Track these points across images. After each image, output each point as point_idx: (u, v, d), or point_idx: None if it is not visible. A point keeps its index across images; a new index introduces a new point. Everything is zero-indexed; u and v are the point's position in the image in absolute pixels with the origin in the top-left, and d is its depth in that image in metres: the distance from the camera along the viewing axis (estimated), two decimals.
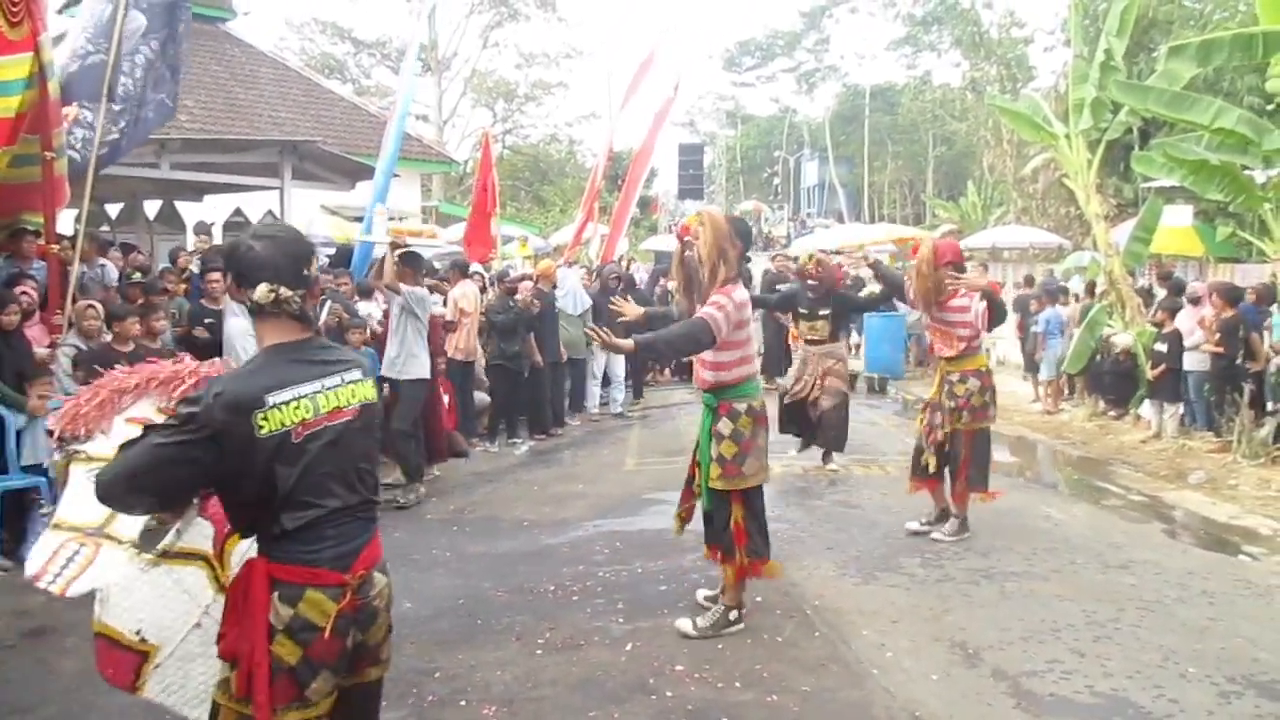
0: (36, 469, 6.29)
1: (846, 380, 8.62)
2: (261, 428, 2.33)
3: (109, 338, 6.86)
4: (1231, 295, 9.84)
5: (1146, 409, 10.71)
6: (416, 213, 19.05)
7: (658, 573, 5.90)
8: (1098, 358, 11.42)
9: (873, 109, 45.50)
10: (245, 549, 2.67)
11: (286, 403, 2.37)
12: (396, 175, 11.61)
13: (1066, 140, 12.03)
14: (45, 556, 2.71)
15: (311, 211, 13.54)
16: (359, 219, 12.12)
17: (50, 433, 3.05)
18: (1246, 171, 10.03)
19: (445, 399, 9.47)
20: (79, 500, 2.76)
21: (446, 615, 5.26)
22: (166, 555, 2.74)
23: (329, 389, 2.47)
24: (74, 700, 4.24)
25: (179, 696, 2.76)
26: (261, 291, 2.42)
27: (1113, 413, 11.46)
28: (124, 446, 2.39)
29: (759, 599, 5.27)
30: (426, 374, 8.01)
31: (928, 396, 6.79)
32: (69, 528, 2.78)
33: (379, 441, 2.67)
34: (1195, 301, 10.36)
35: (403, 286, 7.79)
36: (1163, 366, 10.13)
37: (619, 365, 12.13)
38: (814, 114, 53.80)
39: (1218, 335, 9.61)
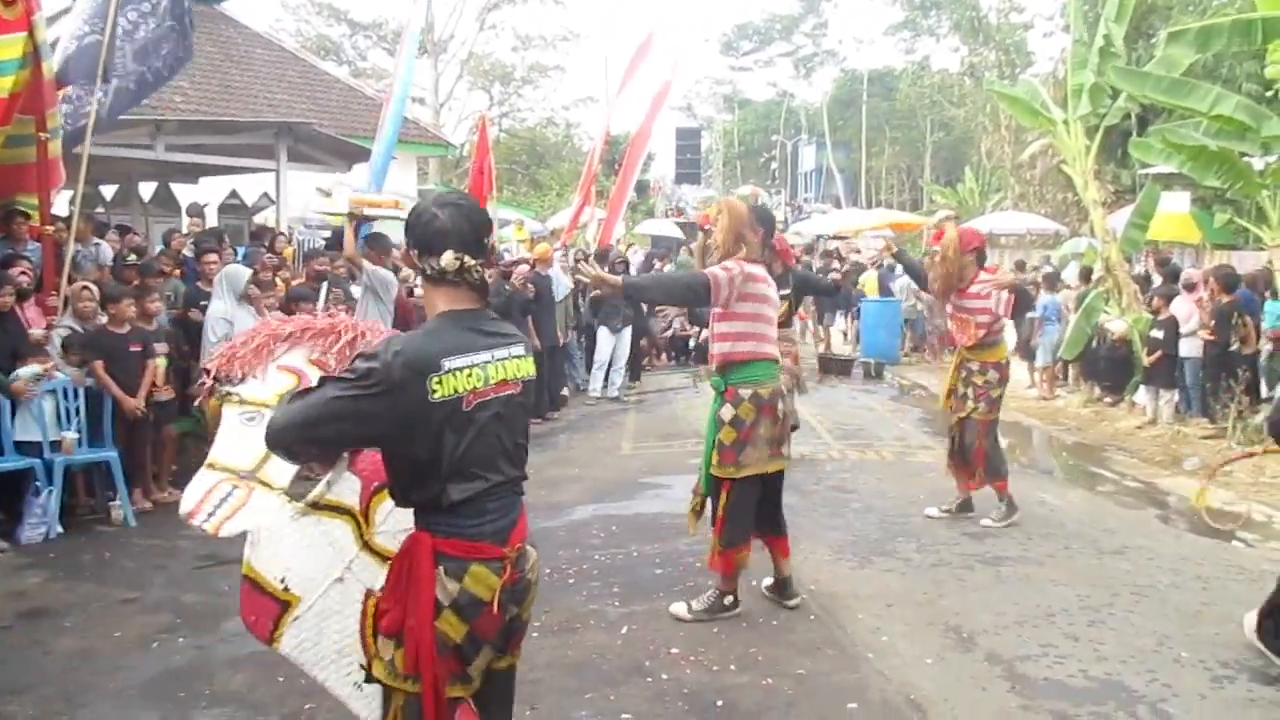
0: (33, 447, 6.29)
1: (797, 371, 8.31)
2: (435, 392, 2.32)
3: (104, 319, 6.85)
4: (1229, 281, 9.86)
5: (1142, 395, 10.74)
6: (413, 195, 18.99)
7: (653, 556, 5.91)
8: (1094, 344, 11.44)
9: (871, 94, 45.41)
10: (389, 508, 2.69)
11: (460, 369, 2.36)
12: (393, 158, 11.58)
13: (1064, 126, 12.01)
14: (199, 496, 2.74)
15: (308, 194, 13.50)
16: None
17: (206, 371, 3.07)
18: (1244, 158, 10.01)
19: None
20: (232, 442, 2.83)
21: None
22: (316, 506, 2.75)
23: (498, 360, 2.45)
24: (71, 680, 4.25)
25: (311, 654, 2.75)
26: (448, 259, 2.41)
27: (1108, 399, 11.48)
28: (297, 396, 2.41)
29: (754, 583, 5.28)
30: None
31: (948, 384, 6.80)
32: (222, 468, 2.81)
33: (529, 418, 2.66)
34: (1191, 288, 10.37)
35: (366, 265, 7.57)
36: (1158, 353, 10.15)
37: (623, 348, 12.14)
38: (812, 99, 53.70)
39: (1212, 322, 9.63)
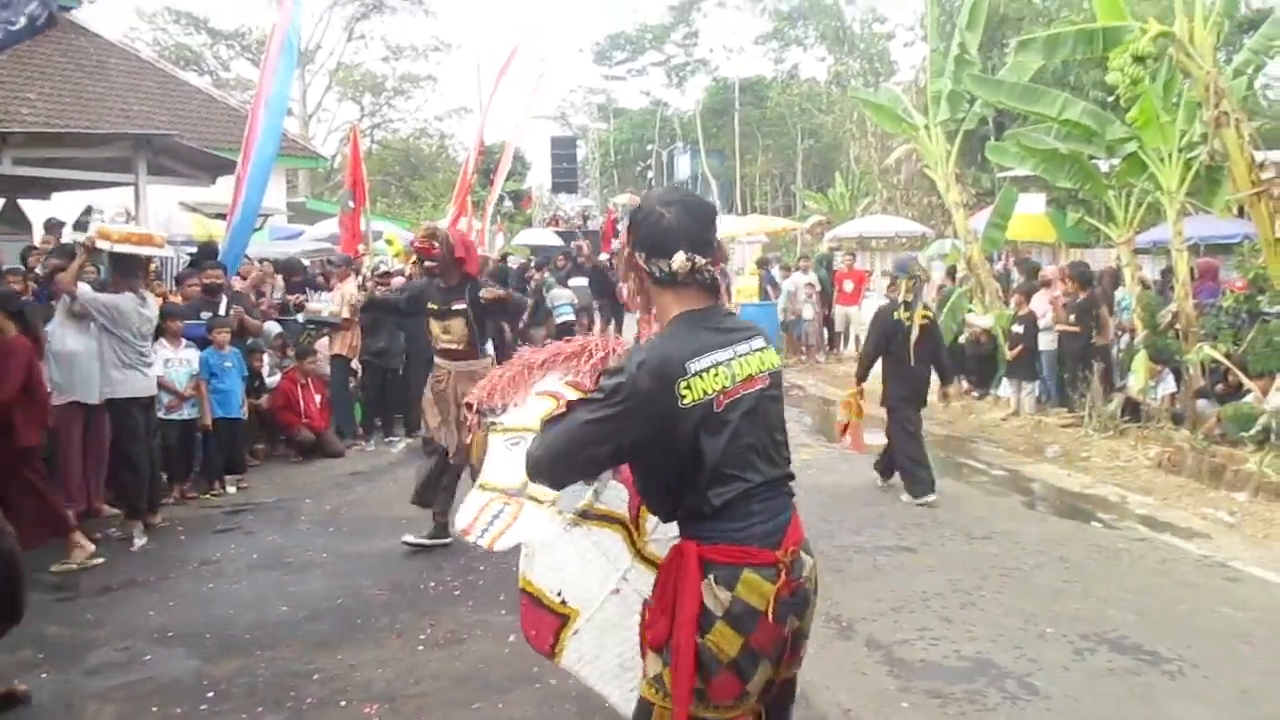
0: None
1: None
2: (684, 397, 2.20)
3: None
4: (1084, 277, 10.40)
5: (1005, 388, 11.22)
6: (283, 209, 18.50)
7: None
8: (959, 340, 11.90)
9: (742, 102, 46.14)
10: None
11: (706, 370, 2.24)
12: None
13: (926, 131, 12.45)
14: (473, 514, 2.85)
15: (170, 208, 12.99)
16: (221, 215, 11.69)
17: (468, 405, 3.18)
18: (1092, 160, 10.56)
19: (317, 399, 9.29)
20: (499, 465, 2.93)
21: (325, 616, 5.14)
22: (585, 516, 2.71)
23: (740, 356, 2.32)
24: None
25: (592, 669, 2.70)
26: (680, 261, 2.28)
27: (975, 393, 11.95)
28: (549, 422, 2.33)
29: None
30: (133, 393, 6.88)
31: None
32: (492, 488, 2.90)
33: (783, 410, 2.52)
34: (1048, 284, 10.90)
35: (82, 291, 6.72)
36: (1019, 347, 10.63)
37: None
38: (685, 107, 54.22)
39: (1072, 316, 10.13)
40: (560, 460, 2.28)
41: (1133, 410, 9.53)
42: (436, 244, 6.05)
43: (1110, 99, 10.35)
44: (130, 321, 6.84)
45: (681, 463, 2.25)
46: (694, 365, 2.23)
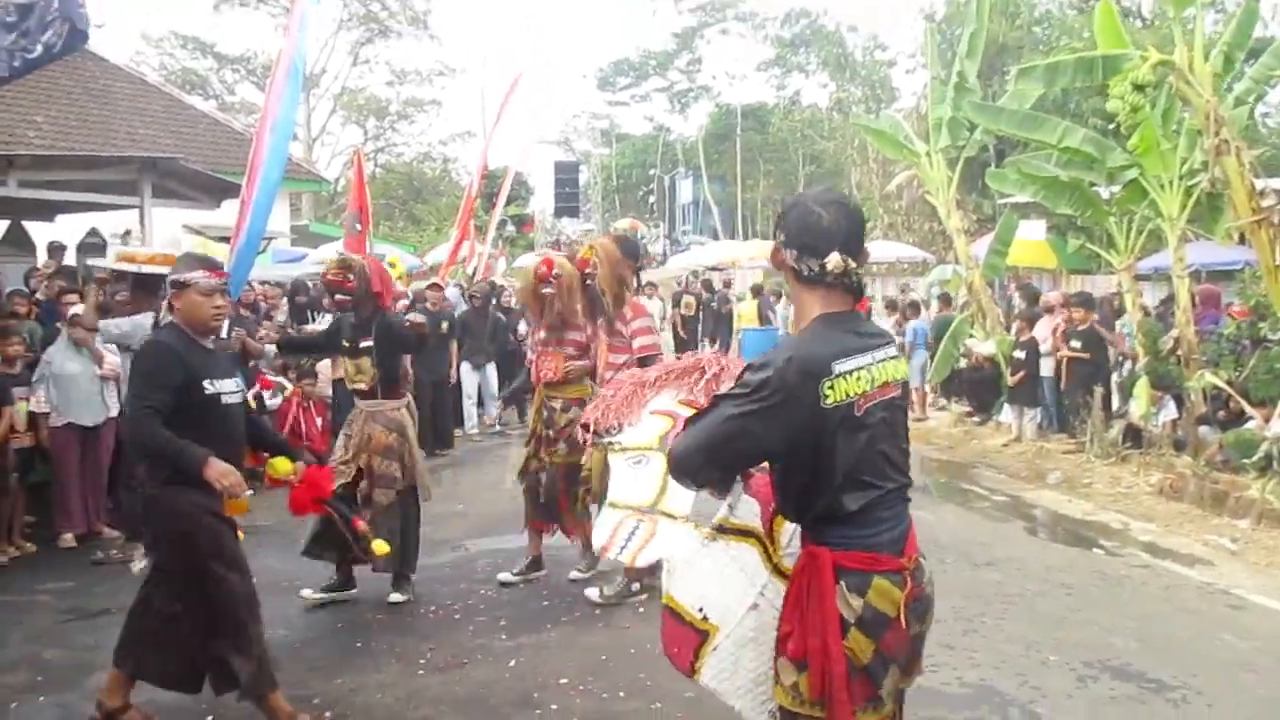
0: None
1: (404, 462, 5.58)
2: (827, 397, 2.21)
3: None
4: (1088, 304, 10.44)
5: (1007, 414, 11.21)
6: (286, 232, 18.57)
7: (540, 588, 5.88)
8: (961, 364, 11.90)
9: (744, 128, 46.39)
10: (793, 528, 2.61)
11: (849, 373, 2.25)
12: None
13: (927, 158, 12.49)
14: (609, 531, 2.88)
15: (175, 231, 13.03)
16: (225, 239, 11.72)
17: (585, 427, 3.21)
18: (1093, 187, 10.60)
19: (318, 421, 9.30)
20: (626, 483, 2.96)
21: (324, 640, 5.12)
22: (721, 530, 2.70)
23: (879, 362, 2.33)
24: None
25: (729, 684, 2.69)
26: (835, 261, 2.29)
27: (976, 418, 11.94)
28: (693, 418, 2.37)
29: (641, 610, 5.30)
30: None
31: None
32: (623, 506, 2.91)
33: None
34: (1050, 310, 10.91)
35: (104, 328, 6.79)
36: (1022, 373, 10.63)
37: (488, 383, 12.12)
38: (688, 133, 54.51)
39: (1078, 343, 10.13)
40: (707, 453, 2.27)
41: (1134, 437, 9.52)
42: (351, 276, 5.55)
43: (1110, 126, 10.41)
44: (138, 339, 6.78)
45: (818, 463, 2.26)
46: (839, 366, 2.24)
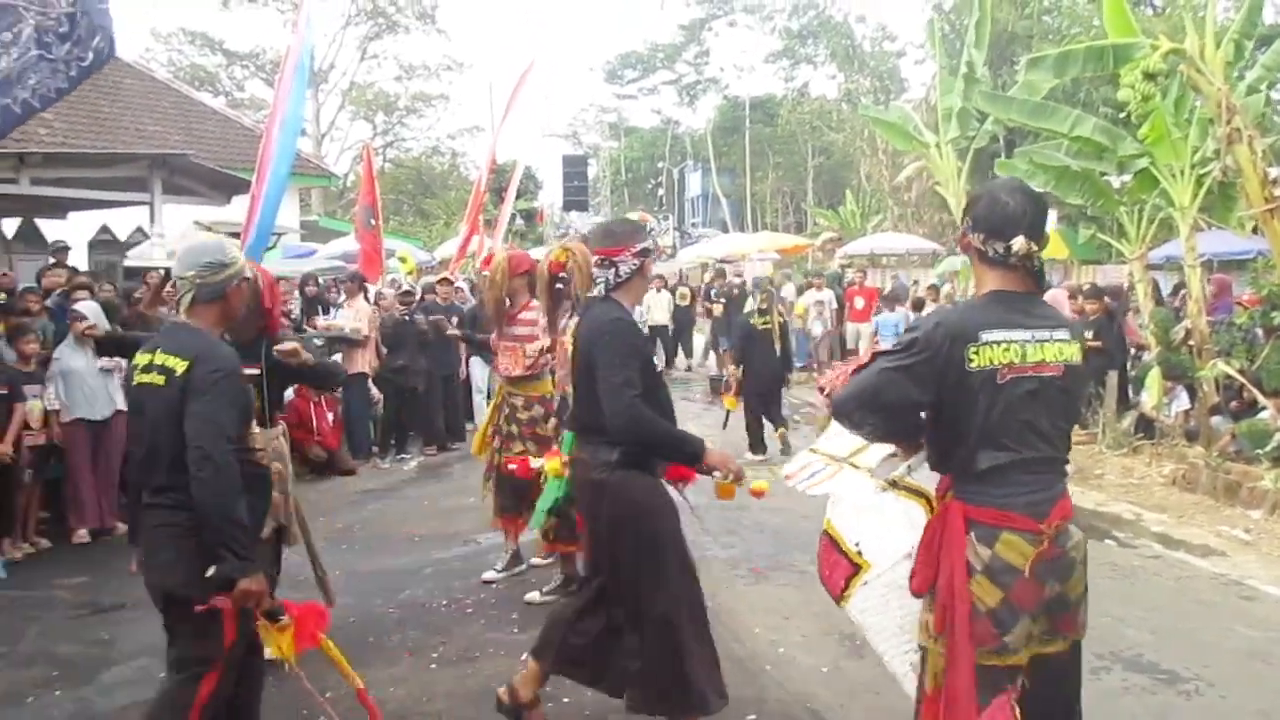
0: None
1: (286, 493, 4.54)
2: (972, 360, 2.49)
3: None
4: (1099, 295, 10.38)
5: None
6: (296, 228, 18.60)
7: (551, 581, 5.88)
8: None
9: (753, 120, 46.31)
10: None
11: (997, 343, 2.50)
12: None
13: (937, 149, 12.47)
14: (798, 466, 3.36)
15: (185, 227, 13.07)
16: (236, 234, 11.73)
17: (821, 389, 3.39)
18: (1104, 177, 10.54)
19: (329, 416, 9.33)
20: (835, 439, 3.29)
21: (336, 634, 5.07)
22: (895, 485, 2.91)
23: (1038, 341, 2.55)
24: None
25: (874, 621, 2.95)
26: (1020, 244, 2.55)
27: None
28: (855, 371, 2.67)
29: None
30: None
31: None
32: (822, 454, 3.33)
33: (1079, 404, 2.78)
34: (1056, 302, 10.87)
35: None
36: None
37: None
38: (696, 125, 54.51)
39: (1090, 332, 10.07)
40: (858, 402, 2.59)
41: (1147, 427, 9.48)
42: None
43: (1121, 116, 10.33)
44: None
45: (957, 419, 2.53)
46: (986, 336, 2.51)
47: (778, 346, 9.84)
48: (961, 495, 2.55)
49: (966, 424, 2.50)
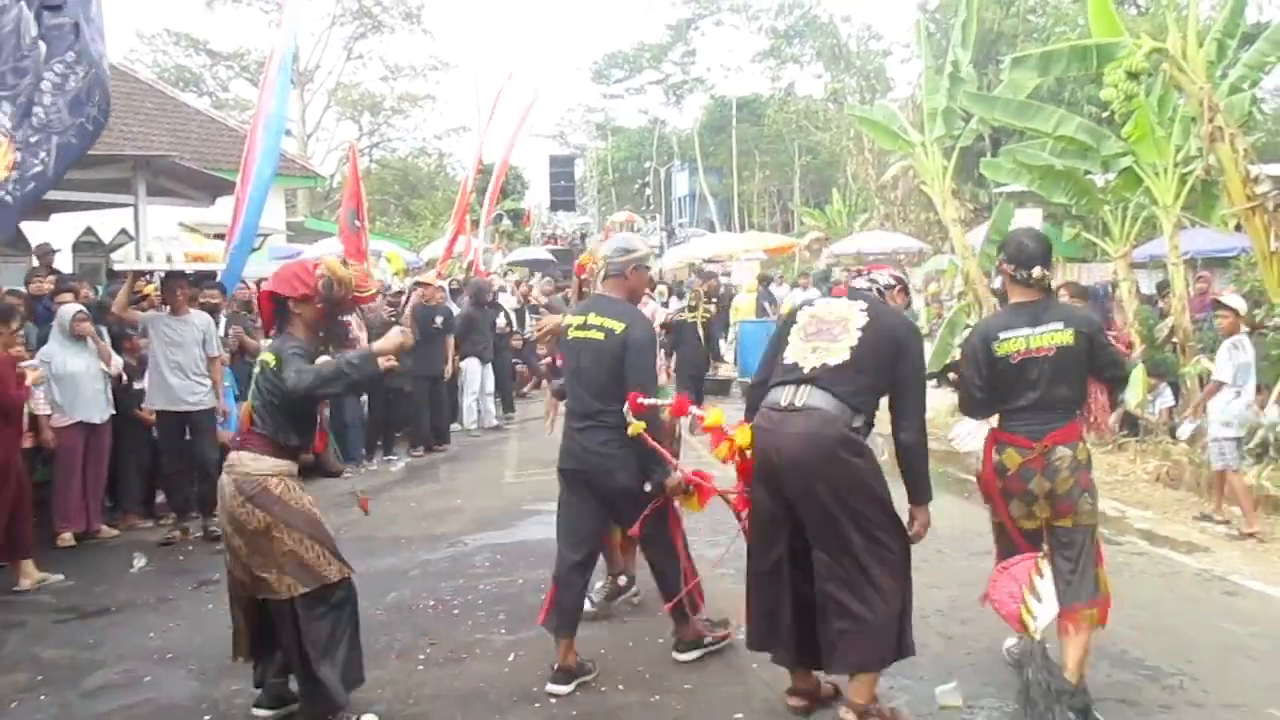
0: None
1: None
2: (996, 351, 3.98)
3: None
4: (1083, 293, 10.40)
5: None
6: (282, 229, 18.54)
7: (539, 582, 5.85)
8: (957, 354, 11.88)
9: (740, 120, 46.35)
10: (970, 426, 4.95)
11: (1010, 338, 3.96)
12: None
13: (922, 148, 12.47)
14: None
15: (170, 229, 13.01)
16: (220, 236, 11.71)
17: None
18: (1088, 175, 10.58)
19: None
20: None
21: None
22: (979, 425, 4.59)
23: (1038, 333, 3.93)
24: None
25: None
26: (1039, 273, 4.00)
27: None
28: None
29: (637, 600, 5.32)
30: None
31: None
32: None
33: (1082, 376, 4.04)
34: None
35: (147, 317, 7.21)
36: None
37: (491, 378, 12.12)
38: (683, 125, 54.50)
39: None
40: (962, 393, 4.20)
41: (1131, 424, 9.53)
42: None
43: (1105, 115, 10.39)
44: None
45: (995, 386, 4.03)
46: (1003, 334, 3.99)
47: (703, 336, 11.56)
48: (997, 426, 4.10)
49: (996, 390, 4.02)
